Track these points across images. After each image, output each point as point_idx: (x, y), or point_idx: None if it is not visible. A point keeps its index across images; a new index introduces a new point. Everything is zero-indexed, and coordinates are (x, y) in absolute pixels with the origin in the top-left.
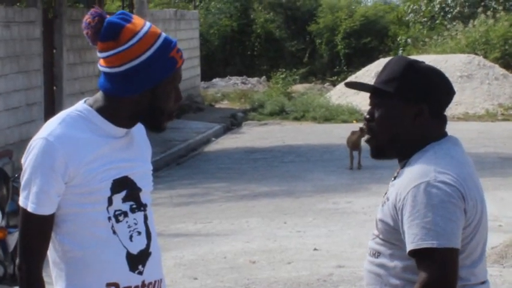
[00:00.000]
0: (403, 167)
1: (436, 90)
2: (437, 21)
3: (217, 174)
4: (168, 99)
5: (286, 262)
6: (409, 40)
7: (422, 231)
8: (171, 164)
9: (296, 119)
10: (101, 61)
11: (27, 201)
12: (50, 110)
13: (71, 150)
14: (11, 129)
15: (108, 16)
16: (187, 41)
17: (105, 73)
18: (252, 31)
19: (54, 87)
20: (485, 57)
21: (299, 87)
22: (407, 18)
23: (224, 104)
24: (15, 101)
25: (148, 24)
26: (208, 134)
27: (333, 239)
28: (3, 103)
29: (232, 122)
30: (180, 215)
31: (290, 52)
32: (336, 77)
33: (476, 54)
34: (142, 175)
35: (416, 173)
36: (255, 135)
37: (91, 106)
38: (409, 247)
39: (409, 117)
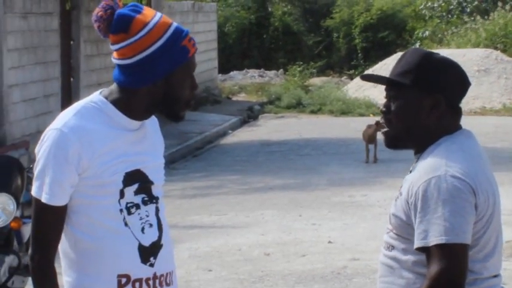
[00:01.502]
0: (417, 160)
1: (452, 81)
2: (455, 16)
3: (233, 166)
4: (183, 88)
5: (301, 255)
6: (426, 33)
7: (432, 227)
8: (187, 156)
9: (313, 112)
10: (114, 53)
11: (40, 191)
12: (67, 101)
13: (85, 142)
14: (28, 120)
15: (119, 7)
16: (205, 33)
17: (119, 65)
18: (269, 24)
19: (72, 79)
20: (504, 51)
21: (316, 81)
22: (423, 12)
23: (241, 97)
24: (32, 92)
25: (159, 14)
26: (225, 126)
27: (347, 232)
28: (20, 94)
29: (249, 115)
30: (195, 207)
31: (307, 45)
32: (353, 71)
33: (495, 48)
34: (155, 169)
35: (427, 168)
36: (271, 128)
37: (106, 98)
38: (419, 244)
39: (425, 109)
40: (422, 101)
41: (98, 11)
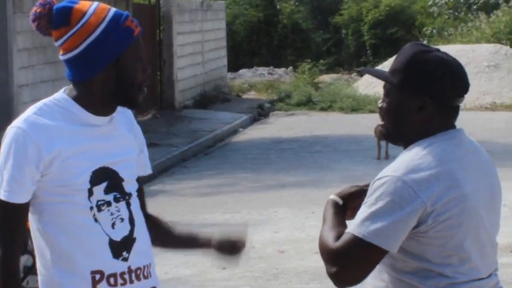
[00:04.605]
0: None
1: (439, 83)
2: (462, 13)
3: (245, 164)
4: (134, 71)
5: (315, 252)
6: (434, 31)
7: (360, 219)
8: (199, 155)
9: (323, 109)
10: (60, 50)
11: (0, 189)
12: None
13: (45, 139)
14: None
15: (54, 3)
16: (214, 31)
17: (67, 61)
18: (278, 21)
19: None
20: None
21: (326, 78)
22: (431, 10)
23: (251, 95)
24: (42, 92)
25: (96, 2)
26: (236, 124)
27: None
28: (30, 94)
29: (260, 113)
30: (208, 205)
31: (316, 42)
32: (362, 68)
33: (502, 44)
34: (125, 164)
35: (390, 166)
36: (282, 126)
37: (68, 95)
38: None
39: (412, 110)
40: (409, 102)
41: (35, 9)
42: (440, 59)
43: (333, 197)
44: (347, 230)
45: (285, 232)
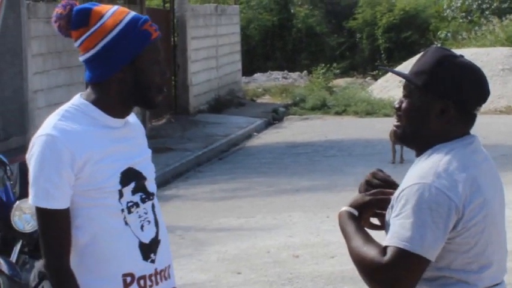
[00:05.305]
0: (414, 164)
1: (465, 89)
2: (475, 17)
3: (259, 168)
4: (152, 74)
5: (330, 256)
6: (449, 34)
7: (401, 231)
8: (213, 159)
9: (338, 113)
10: (80, 51)
11: (39, 198)
12: None
13: (75, 143)
14: None
15: (76, 5)
16: (228, 36)
17: (86, 61)
18: (292, 26)
19: None
20: None
21: (340, 82)
22: (445, 14)
23: (265, 99)
24: (57, 97)
25: (116, 6)
26: (250, 128)
27: (375, 232)
28: (45, 99)
29: (274, 117)
30: (222, 209)
31: (330, 46)
32: (376, 71)
33: None
34: (145, 164)
35: (416, 173)
36: (296, 130)
37: (86, 100)
38: (385, 242)
39: (434, 113)
40: (432, 105)
41: (57, 10)
42: (467, 66)
43: (347, 208)
44: (389, 244)
45: (299, 236)
